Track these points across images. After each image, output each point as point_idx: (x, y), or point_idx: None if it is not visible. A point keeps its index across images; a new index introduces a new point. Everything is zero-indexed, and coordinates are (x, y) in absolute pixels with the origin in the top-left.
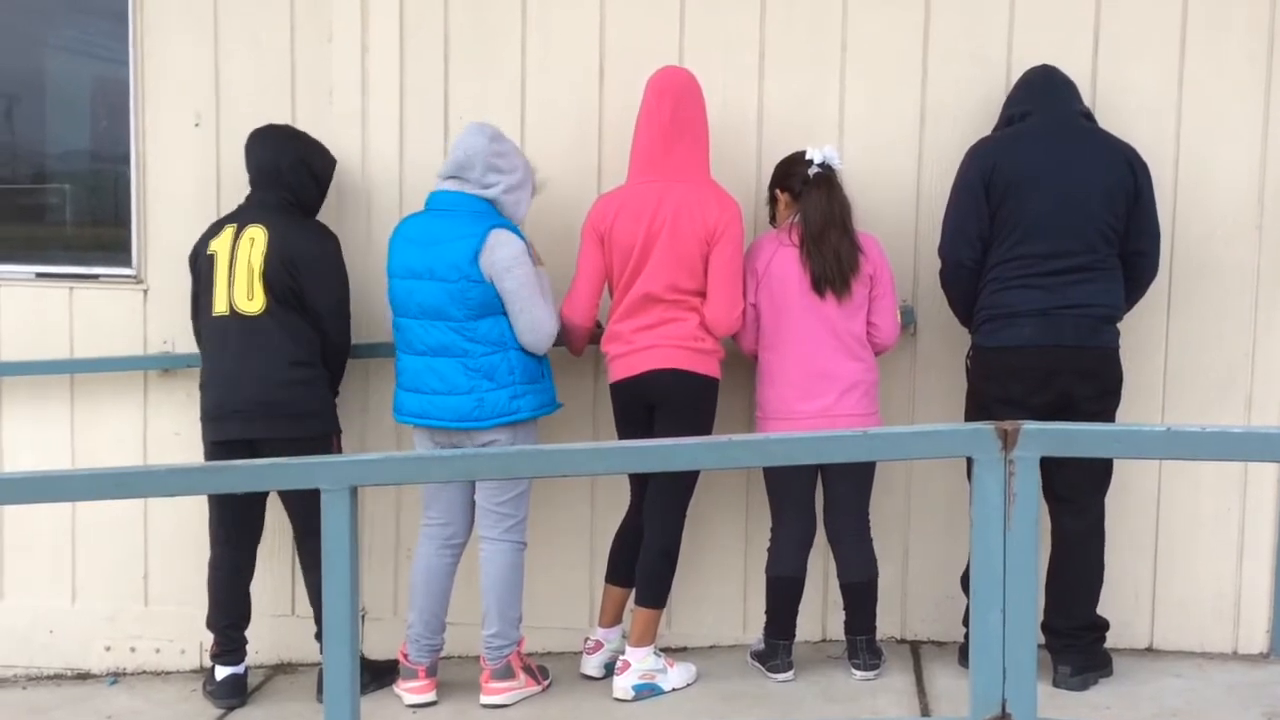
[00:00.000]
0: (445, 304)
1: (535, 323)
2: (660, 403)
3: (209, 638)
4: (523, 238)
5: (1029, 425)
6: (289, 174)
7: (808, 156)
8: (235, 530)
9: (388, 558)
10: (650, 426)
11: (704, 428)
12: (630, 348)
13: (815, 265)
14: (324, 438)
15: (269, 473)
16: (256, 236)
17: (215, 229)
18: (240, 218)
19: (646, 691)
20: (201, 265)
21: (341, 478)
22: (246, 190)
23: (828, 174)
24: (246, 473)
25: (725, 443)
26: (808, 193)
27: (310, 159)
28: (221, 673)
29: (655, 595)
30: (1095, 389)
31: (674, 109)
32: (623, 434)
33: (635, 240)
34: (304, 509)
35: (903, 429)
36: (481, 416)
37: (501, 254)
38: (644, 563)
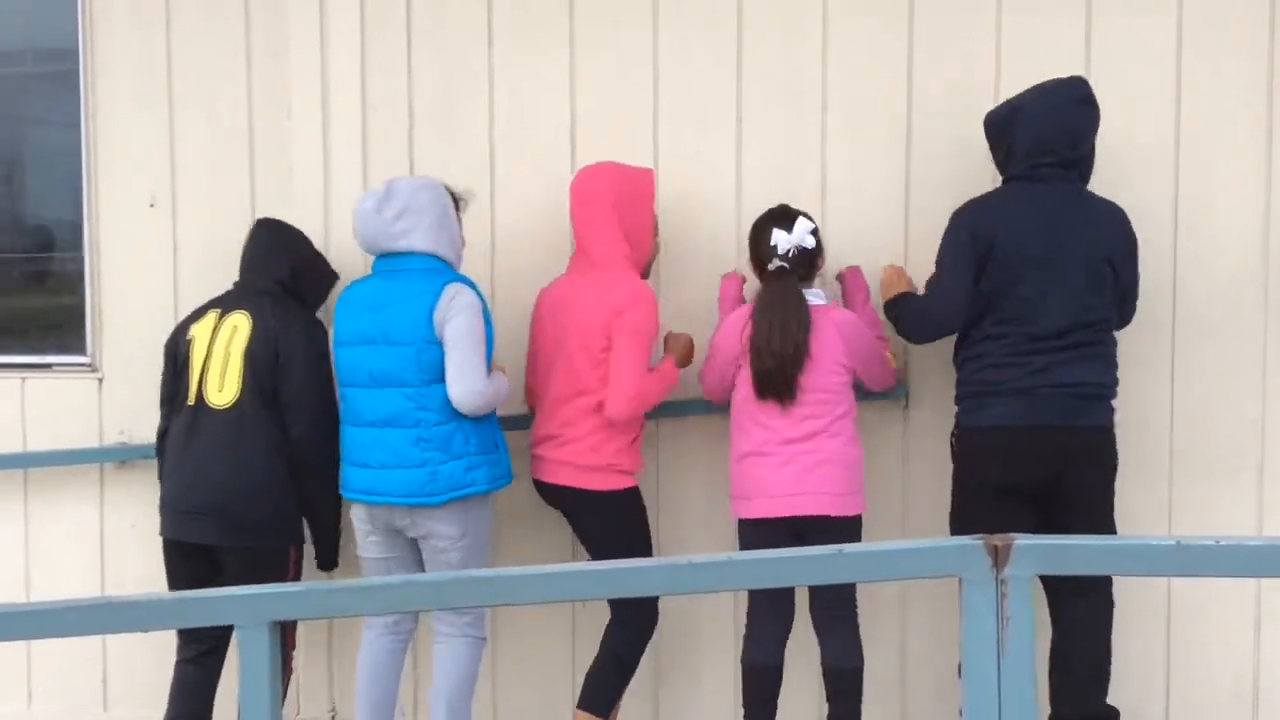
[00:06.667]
0: (400, 369)
1: (463, 371)
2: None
3: None
4: (479, 294)
5: (1021, 540)
6: (305, 265)
7: (772, 242)
8: (199, 630)
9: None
10: None
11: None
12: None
13: (760, 369)
14: (279, 551)
15: (178, 608)
16: (240, 324)
17: (199, 313)
18: (226, 303)
19: None
20: (180, 350)
21: (258, 612)
22: (205, 273)
23: (784, 270)
24: (154, 608)
25: (685, 565)
26: (762, 286)
27: (320, 261)
28: None
29: (595, 699)
30: (1087, 472)
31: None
32: None
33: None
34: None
35: (880, 546)
36: (435, 491)
37: (454, 304)
38: (595, 662)
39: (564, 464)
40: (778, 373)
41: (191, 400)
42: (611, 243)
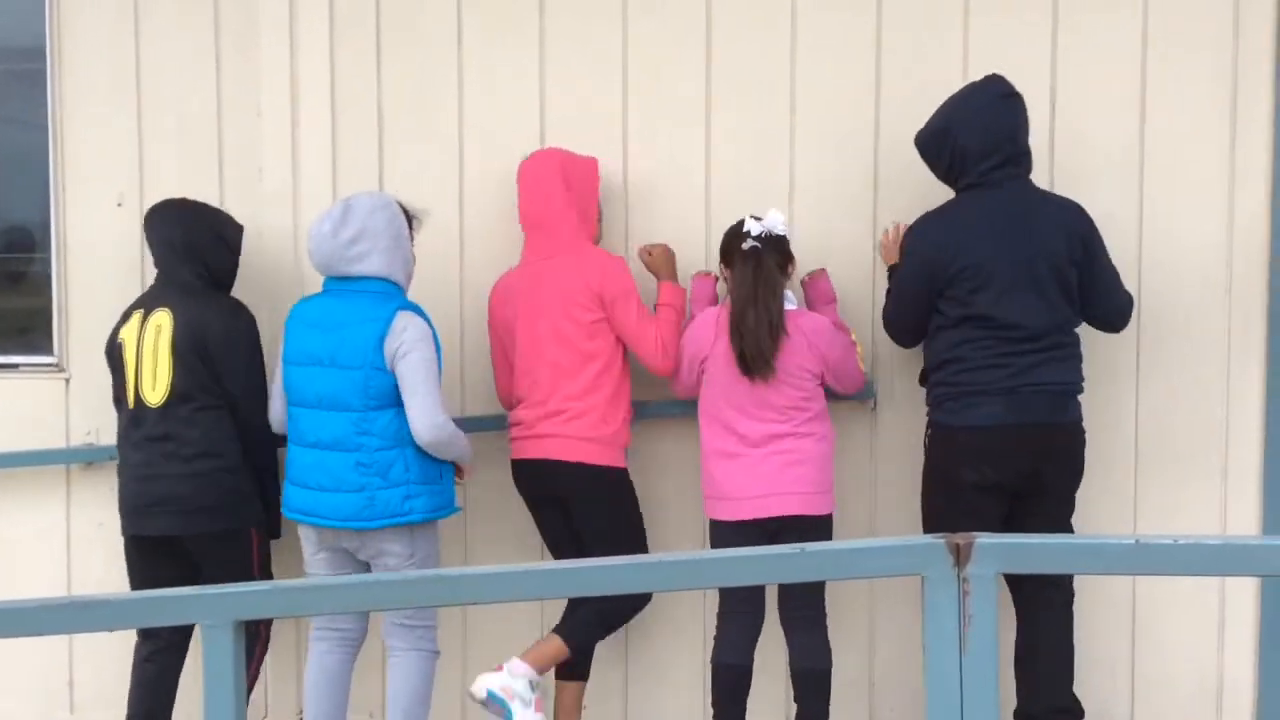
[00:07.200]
0: (347, 393)
1: (425, 408)
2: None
3: None
4: (428, 321)
5: (983, 539)
6: (207, 251)
7: (745, 228)
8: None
9: None
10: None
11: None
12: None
13: (738, 346)
14: (238, 533)
15: (145, 607)
16: (163, 323)
17: (125, 315)
18: (147, 302)
19: (496, 706)
20: (114, 355)
21: (224, 611)
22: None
23: (757, 250)
24: (120, 607)
25: (648, 564)
26: (736, 268)
27: (224, 231)
28: None
29: (571, 630)
30: (1064, 467)
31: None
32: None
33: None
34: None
35: (842, 545)
36: (371, 516)
37: (406, 336)
38: (581, 603)
39: (577, 439)
40: (758, 350)
41: (131, 403)
42: (568, 220)
